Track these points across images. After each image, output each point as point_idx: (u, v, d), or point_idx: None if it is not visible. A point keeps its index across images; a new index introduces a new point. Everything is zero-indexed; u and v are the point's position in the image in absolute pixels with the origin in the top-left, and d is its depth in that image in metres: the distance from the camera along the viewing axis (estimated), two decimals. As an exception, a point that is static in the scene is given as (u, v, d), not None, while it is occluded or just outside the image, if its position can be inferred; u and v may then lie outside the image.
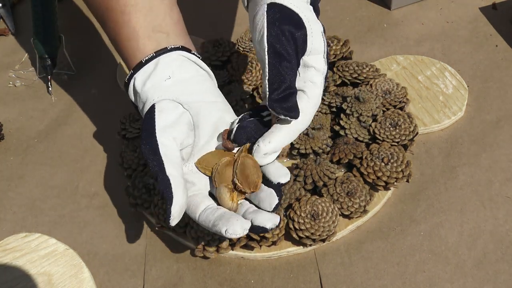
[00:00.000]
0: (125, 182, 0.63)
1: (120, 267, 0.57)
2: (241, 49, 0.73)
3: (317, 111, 0.64)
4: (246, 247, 0.55)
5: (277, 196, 0.46)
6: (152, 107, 0.48)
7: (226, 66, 0.71)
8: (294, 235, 0.55)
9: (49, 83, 0.75)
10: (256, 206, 0.46)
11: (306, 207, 0.55)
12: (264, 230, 0.44)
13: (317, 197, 0.56)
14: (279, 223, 0.44)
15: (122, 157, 0.63)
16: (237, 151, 0.49)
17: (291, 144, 0.62)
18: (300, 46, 0.45)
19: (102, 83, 0.77)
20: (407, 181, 0.59)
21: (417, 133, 0.61)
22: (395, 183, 0.58)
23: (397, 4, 0.81)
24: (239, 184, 0.46)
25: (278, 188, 0.46)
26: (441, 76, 0.69)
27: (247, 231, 0.43)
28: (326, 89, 0.66)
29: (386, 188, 0.58)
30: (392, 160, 0.58)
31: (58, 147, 0.69)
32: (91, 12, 0.56)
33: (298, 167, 0.59)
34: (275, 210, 0.45)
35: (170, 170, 0.45)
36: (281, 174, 0.46)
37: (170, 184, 0.44)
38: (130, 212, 0.61)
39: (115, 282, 0.56)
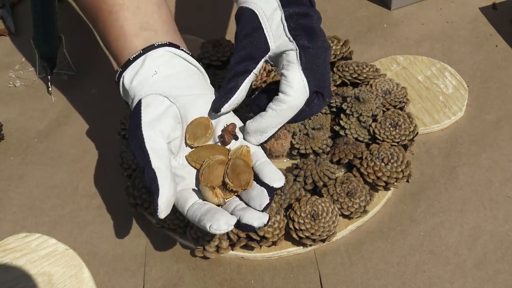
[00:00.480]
0: (125, 182, 0.62)
1: (120, 267, 0.57)
2: (241, 49, 0.73)
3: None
4: (246, 247, 0.55)
5: (269, 196, 0.45)
6: (139, 102, 0.48)
7: (226, 66, 0.71)
8: (294, 235, 0.55)
9: (49, 83, 0.75)
10: (246, 203, 0.46)
11: (306, 207, 0.55)
12: (252, 228, 0.43)
13: (317, 197, 0.56)
14: (268, 221, 0.44)
15: (122, 157, 0.63)
16: (231, 151, 0.49)
17: (291, 144, 0.62)
18: (259, 44, 0.48)
19: (102, 83, 0.77)
20: (407, 181, 0.59)
21: (417, 133, 0.61)
22: (395, 183, 0.58)
23: (397, 4, 0.81)
24: (230, 183, 0.46)
25: (270, 188, 0.46)
26: (441, 76, 0.69)
27: (232, 227, 0.42)
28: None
29: (386, 188, 0.58)
30: (392, 160, 0.58)
31: (58, 147, 0.69)
32: (82, 14, 0.56)
33: (298, 167, 0.59)
34: (265, 210, 0.45)
35: (156, 163, 0.45)
36: (275, 178, 0.46)
37: (156, 177, 0.44)
38: (130, 212, 0.61)
39: (115, 282, 0.56)
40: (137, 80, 0.49)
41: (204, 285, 0.55)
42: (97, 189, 0.64)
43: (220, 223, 0.42)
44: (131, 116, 0.48)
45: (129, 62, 0.50)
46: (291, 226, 0.55)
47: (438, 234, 0.56)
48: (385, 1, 0.82)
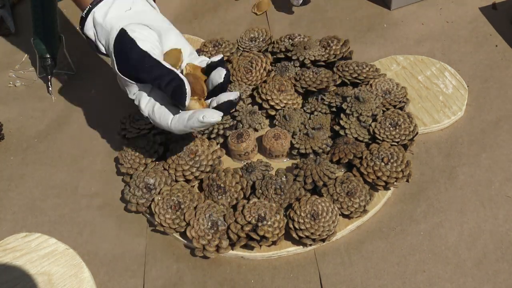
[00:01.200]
0: (125, 182, 0.63)
1: (120, 267, 0.57)
2: (241, 49, 0.73)
3: (317, 111, 0.65)
4: (246, 247, 0.55)
5: (224, 69, 0.51)
6: (122, 31, 0.51)
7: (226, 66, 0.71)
8: (294, 235, 0.55)
9: (49, 83, 0.75)
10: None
11: (306, 207, 0.55)
12: (231, 102, 0.50)
13: (317, 197, 0.56)
14: (240, 96, 0.50)
15: (122, 157, 0.63)
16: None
17: (291, 144, 0.62)
18: None
19: (102, 83, 0.77)
20: (407, 181, 0.59)
21: (417, 133, 0.61)
22: (395, 183, 0.58)
23: (397, 4, 0.81)
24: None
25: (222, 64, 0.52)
26: (441, 76, 0.69)
27: (220, 117, 0.48)
28: (326, 89, 0.66)
29: (386, 188, 0.58)
30: (392, 160, 0.58)
31: (58, 147, 0.69)
32: None
33: (298, 167, 0.59)
34: (227, 80, 0.51)
35: (168, 66, 0.50)
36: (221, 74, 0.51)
37: (176, 73, 0.49)
38: (130, 212, 0.61)
39: (115, 282, 0.56)
40: (112, 14, 0.52)
41: (204, 285, 0.55)
42: (97, 189, 0.64)
43: (211, 112, 0.48)
44: (120, 43, 0.51)
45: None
46: (291, 225, 0.55)
47: (438, 234, 0.56)
48: (385, 1, 0.82)
